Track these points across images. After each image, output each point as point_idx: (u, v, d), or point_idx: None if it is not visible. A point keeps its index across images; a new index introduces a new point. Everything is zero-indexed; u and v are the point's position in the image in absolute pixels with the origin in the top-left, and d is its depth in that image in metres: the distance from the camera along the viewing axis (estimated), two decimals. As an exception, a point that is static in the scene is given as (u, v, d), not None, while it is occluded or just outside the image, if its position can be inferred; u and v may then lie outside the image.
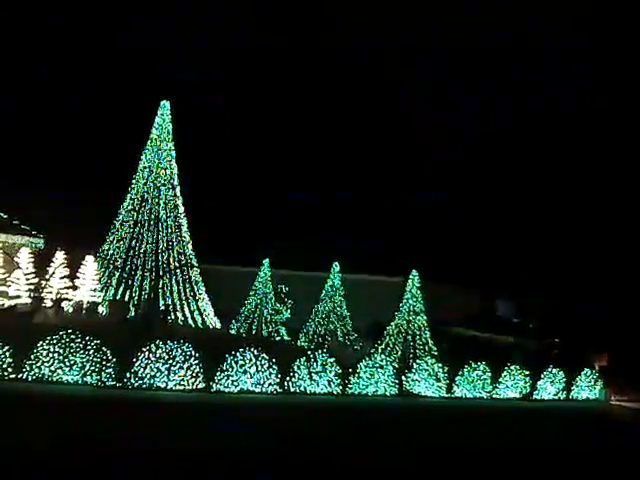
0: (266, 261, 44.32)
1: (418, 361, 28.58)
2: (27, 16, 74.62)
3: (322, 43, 79.30)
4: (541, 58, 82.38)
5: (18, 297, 34.92)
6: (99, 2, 76.57)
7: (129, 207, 43.19)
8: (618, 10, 70.91)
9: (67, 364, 19.71)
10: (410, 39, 79.02)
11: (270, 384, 22.73)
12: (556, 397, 32.47)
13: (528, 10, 76.19)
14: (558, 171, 71.43)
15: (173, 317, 40.64)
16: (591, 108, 70.49)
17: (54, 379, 19.52)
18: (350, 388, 25.02)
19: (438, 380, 27.89)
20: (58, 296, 36.19)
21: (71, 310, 36.73)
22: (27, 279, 35.42)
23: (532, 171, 72.75)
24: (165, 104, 44.77)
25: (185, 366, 21.19)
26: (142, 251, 42.05)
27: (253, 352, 22.49)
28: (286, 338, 42.61)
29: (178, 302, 41.98)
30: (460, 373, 28.70)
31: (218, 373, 21.86)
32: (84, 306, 37.68)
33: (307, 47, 77.49)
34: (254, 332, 42.74)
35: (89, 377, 19.89)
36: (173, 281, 42.31)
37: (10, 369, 19.24)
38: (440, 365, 28.22)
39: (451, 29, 78.49)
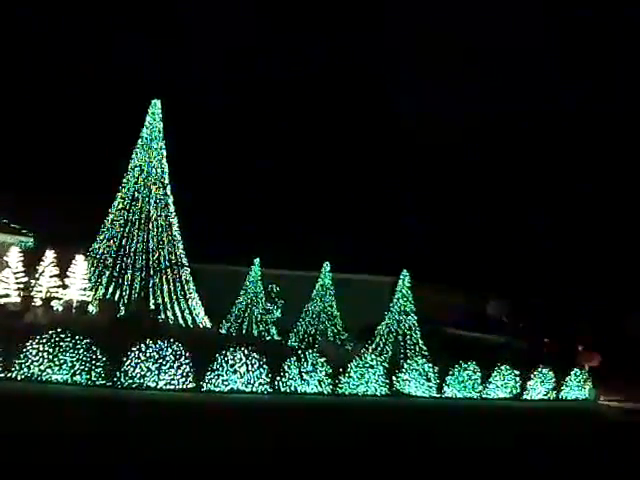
0: (257, 260, 44.30)
1: (409, 361, 28.62)
2: (18, 14, 74.28)
3: (312, 38, 79.38)
4: (538, 55, 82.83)
5: (7, 296, 34.72)
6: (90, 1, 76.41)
7: (119, 206, 43.03)
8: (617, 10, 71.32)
9: (56, 363, 19.61)
10: (404, 34, 79.21)
11: (260, 384, 22.71)
12: (546, 397, 32.59)
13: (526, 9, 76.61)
14: (556, 171, 71.79)
15: (163, 316, 40.52)
16: (591, 106, 70.83)
17: (43, 378, 19.43)
18: (340, 388, 25.03)
19: (428, 380, 27.94)
20: (48, 295, 36.00)
21: (61, 309, 36.55)
22: (16, 278, 35.22)
23: (529, 171, 73.10)
24: (156, 103, 44.64)
25: (175, 365, 21.13)
26: (132, 250, 41.92)
27: (243, 351, 22.46)
28: (277, 338, 42.60)
29: (168, 301, 41.89)
30: (450, 373, 28.75)
31: (208, 372, 21.81)
32: (74, 305, 37.52)
33: (296, 43, 77.51)
34: (244, 332, 42.72)
35: (79, 376, 19.79)
36: (163, 280, 42.21)
37: (-1, 368, 19.15)
38: (430, 365, 28.27)
39: (448, 26, 78.76)
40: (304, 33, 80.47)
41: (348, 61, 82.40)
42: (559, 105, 73.50)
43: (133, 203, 42.90)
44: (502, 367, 30.88)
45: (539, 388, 32.35)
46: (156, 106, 44.55)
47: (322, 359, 24.64)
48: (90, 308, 38.65)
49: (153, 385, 20.73)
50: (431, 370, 28.14)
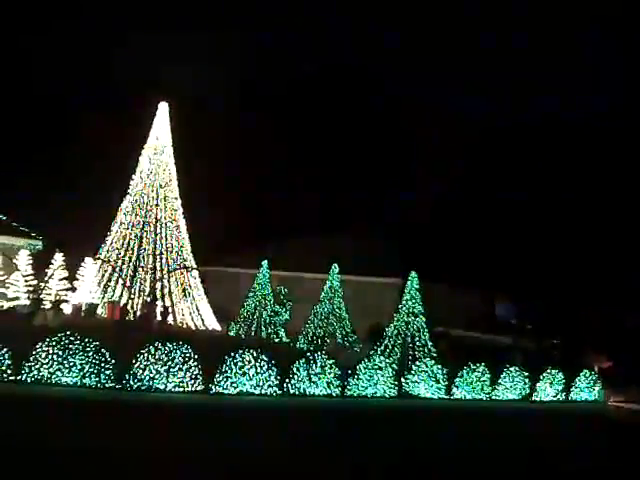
0: (265, 262, 44.31)
1: (417, 363, 28.56)
2: (25, 14, 74.60)
3: (315, 38, 79.44)
4: (543, 57, 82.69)
5: (17, 299, 34.91)
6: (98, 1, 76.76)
7: (128, 209, 43.21)
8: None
9: (66, 366, 19.66)
10: (408, 36, 79.21)
11: (269, 386, 22.70)
12: (555, 398, 32.50)
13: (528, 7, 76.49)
14: (559, 171, 71.58)
15: (172, 319, 40.63)
16: (594, 107, 70.65)
17: (53, 381, 19.49)
18: (349, 390, 25.00)
19: (437, 382, 27.89)
20: (57, 298, 36.18)
21: (70, 312, 36.72)
22: (26, 281, 35.41)
23: (533, 171, 72.92)
24: (164, 105, 44.81)
25: (184, 368, 21.16)
26: (141, 253, 42.07)
27: (252, 354, 22.47)
28: (285, 340, 42.59)
29: (177, 304, 41.99)
30: (459, 374, 28.69)
31: (217, 375, 21.83)
32: (83, 308, 37.67)
33: (302, 44, 77.60)
34: (253, 334, 42.74)
35: (88, 379, 19.85)
36: (172, 283, 42.32)
37: (9, 371, 19.21)
38: (439, 367, 28.21)
39: (450, 26, 78.70)
40: (305, 32, 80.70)
41: (350, 61, 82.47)
42: (565, 106, 73.36)
43: (141, 206, 43.05)
44: (511, 368, 30.80)
45: (548, 389, 32.26)
46: (164, 109, 44.73)
47: (331, 361, 24.62)
48: (99, 311, 38.80)
49: (162, 387, 20.77)
50: (440, 372, 28.08)
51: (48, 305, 35.18)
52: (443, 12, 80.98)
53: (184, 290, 42.74)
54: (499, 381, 30.14)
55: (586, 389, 34.04)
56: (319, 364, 24.21)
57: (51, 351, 19.63)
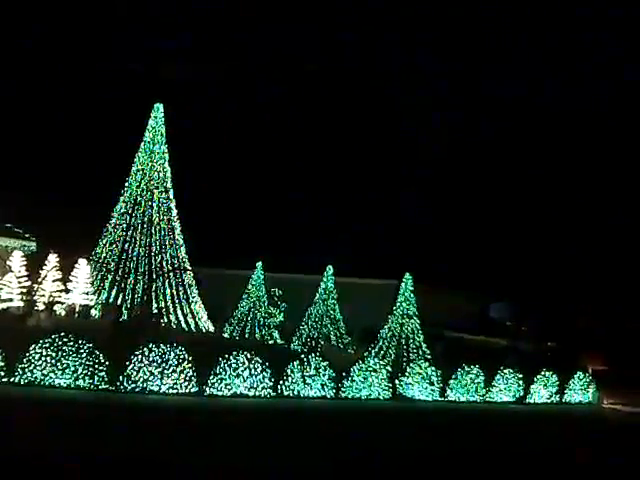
0: (259, 264, 44.27)
1: (411, 365, 28.54)
2: (19, 16, 74.41)
3: (311, 40, 79.41)
4: (538, 53, 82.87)
5: (10, 300, 34.75)
6: (93, 4, 76.65)
7: (122, 210, 43.09)
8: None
9: (59, 367, 19.57)
10: (402, 34, 79.27)
11: (263, 387, 22.65)
12: (549, 400, 32.52)
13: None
14: (557, 172, 71.73)
15: (166, 320, 40.53)
16: (591, 106, 70.77)
17: (46, 383, 19.40)
18: (343, 392, 24.97)
19: (431, 384, 27.87)
20: (51, 299, 36.04)
21: (64, 313, 36.60)
22: (19, 282, 35.25)
23: (530, 172, 73.05)
24: (158, 106, 44.69)
25: (178, 369, 21.08)
26: (135, 254, 41.96)
27: (246, 355, 22.41)
28: (279, 341, 42.56)
29: (171, 305, 41.89)
30: (453, 377, 28.68)
31: (211, 377, 21.76)
32: (77, 309, 37.54)
33: (299, 45, 77.58)
34: (247, 335, 42.70)
35: (82, 381, 19.76)
36: (166, 284, 42.22)
37: (2, 372, 19.11)
38: (433, 369, 28.20)
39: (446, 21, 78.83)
40: (306, 34, 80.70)
41: (350, 61, 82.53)
42: (556, 105, 73.52)
43: (135, 207, 42.95)
44: (505, 370, 30.80)
45: (542, 391, 32.28)
46: (158, 110, 44.61)
47: (325, 363, 24.59)
48: (93, 312, 38.68)
49: (156, 389, 20.70)
50: (434, 374, 28.07)
51: (41, 306, 35.06)
52: (442, 12, 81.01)
53: (178, 291, 42.63)
54: (493, 383, 30.15)
55: (580, 391, 34.08)
56: (313, 366, 24.19)
57: (44, 353, 19.53)
